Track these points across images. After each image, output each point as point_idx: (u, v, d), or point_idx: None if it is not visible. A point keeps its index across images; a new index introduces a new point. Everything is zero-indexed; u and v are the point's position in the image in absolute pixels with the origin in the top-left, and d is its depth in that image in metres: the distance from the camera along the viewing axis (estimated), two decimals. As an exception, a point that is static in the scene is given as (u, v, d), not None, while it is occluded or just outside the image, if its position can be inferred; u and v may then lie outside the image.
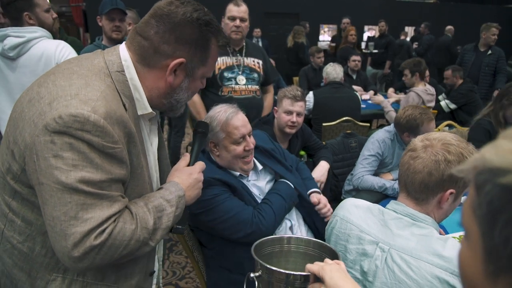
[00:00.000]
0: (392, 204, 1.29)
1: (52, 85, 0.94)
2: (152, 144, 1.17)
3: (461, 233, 1.82)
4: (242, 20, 2.72)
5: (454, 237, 1.84)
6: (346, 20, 7.63)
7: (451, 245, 1.13)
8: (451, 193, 1.18)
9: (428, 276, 1.08)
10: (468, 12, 11.09)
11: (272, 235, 1.61)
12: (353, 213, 1.31)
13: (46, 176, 0.88)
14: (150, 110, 1.06)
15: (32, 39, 2.10)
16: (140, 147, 1.03)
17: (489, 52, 5.26)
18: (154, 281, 1.29)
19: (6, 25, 2.34)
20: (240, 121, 1.72)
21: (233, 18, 2.71)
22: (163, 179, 1.23)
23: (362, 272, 1.23)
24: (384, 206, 2.39)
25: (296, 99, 2.50)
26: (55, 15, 2.37)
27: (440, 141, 1.18)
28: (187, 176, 1.17)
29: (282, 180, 1.86)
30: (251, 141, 1.76)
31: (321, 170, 2.45)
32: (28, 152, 0.90)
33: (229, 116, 1.70)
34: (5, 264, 1.05)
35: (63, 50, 2.14)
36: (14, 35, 2.07)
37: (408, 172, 1.20)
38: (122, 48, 1.05)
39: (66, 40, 2.48)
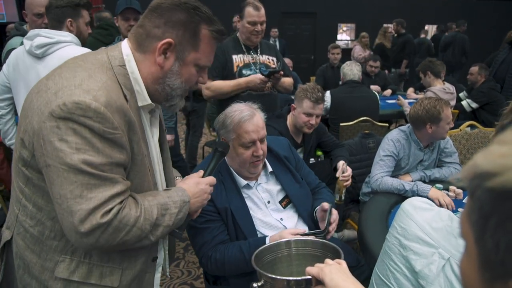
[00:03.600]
0: None
1: (58, 77, 1.01)
2: (153, 136, 1.22)
3: None
4: (261, 24, 2.75)
5: None
6: None
7: None
8: None
9: None
10: (493, 9, 10.80)
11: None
12: (419, 212, 1.23)
13: (53, 158, 0.95)
14: (149, 101, 1.12)
15: (61, 42, 2.14)
16: (140, 135, 1.10)
17: None
18: (159, 268, 1.31)
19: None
20: (253, 125, 1.67)
21: (254, 23, 2.72)
22: (166, 174, 1.30)
23: (413, 271, 1.16)
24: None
25: (318, 102, 2.50)
26: (90, 31, 2.43)
27: None
28: (194, 185, 1.22)
29: (264, 237, 1.70)
30: (261, 147, 1.71)
31: (342, 168, 2.40)
32: (36, 138, 0.98)
33: (242, 119, 1.67)
34: (19, 246, 1.13)
35: None
36: (44, 35, 2.11)
37: None
38: (124, 43, 1.12)
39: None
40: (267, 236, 1.69)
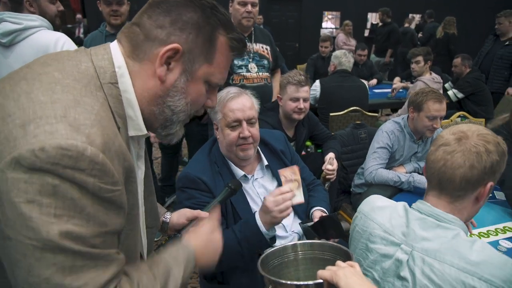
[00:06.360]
0: (417, 203, 1.22)
1: (26, 99, 0.68)
2: (139, 173, 0.94)
3: (490, 227, 1.80)
4: (253, 5, 2.62)
5: (481, 233, 1.79)
6: None
7: (479, 248, 1.03)
8: (491, 186, 1.10)
9: (453, 281, 1.01)
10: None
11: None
12: (378, 212, 1.25)
13: (16, 229, 0.63)
14: (145, 131, 0.85)
15: (30, 28, 1.90)
16: (137, 183, 0.85)
17: (507, 42, 4.79)
18: None
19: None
20: (238, 104, 1.62)
21: (244, 3, 2.61)
22: (149, 213, 1.04)
23: (381, 274, 1.18)
24: (397, 201, 2.30)
25: (301, 85, 2.43)
26: (61, 8, 2.18)
27: (475, 132, 1.11)
28: (204, 246, 1.00)
29: (257, 226, 1.52)
30: (248, 129, 1.63)
31: (328, 161, 2.37)
32: None
33: (228, 97, 1.62)
34: None
35: (64, 45, 1.91)
36: (11, 21, 1.87)
37: (445, 168, 1.10)
38: (115, 48, 0.82)
39: None
40: (255, 211, 1.55)
